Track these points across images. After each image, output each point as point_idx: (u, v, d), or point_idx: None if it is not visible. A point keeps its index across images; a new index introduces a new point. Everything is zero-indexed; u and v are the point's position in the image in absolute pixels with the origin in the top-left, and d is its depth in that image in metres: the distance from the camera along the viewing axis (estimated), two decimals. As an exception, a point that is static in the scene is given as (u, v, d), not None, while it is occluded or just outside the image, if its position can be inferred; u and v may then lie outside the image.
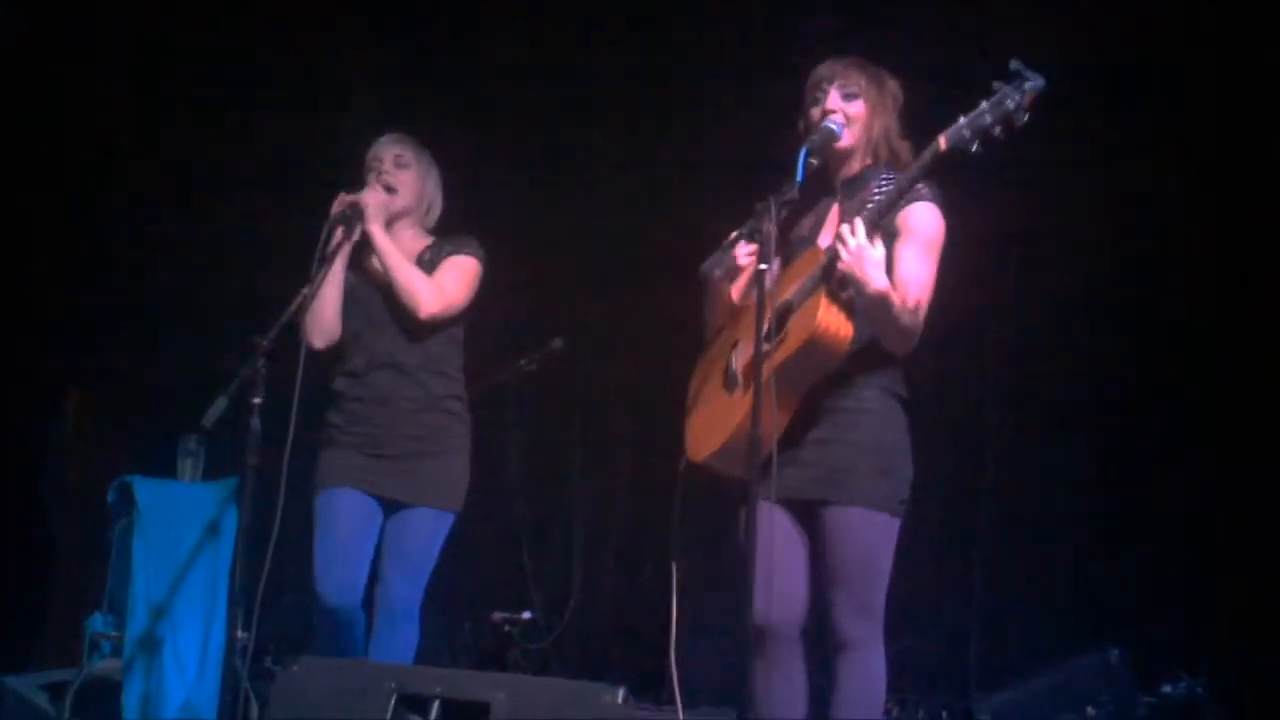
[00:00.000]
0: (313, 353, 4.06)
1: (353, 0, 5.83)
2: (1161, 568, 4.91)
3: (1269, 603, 4.64)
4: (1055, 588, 5.10)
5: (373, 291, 4.19)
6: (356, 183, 4.22)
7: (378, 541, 4.14)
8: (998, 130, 3.14)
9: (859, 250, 3.22)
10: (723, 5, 5.52)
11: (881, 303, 3.26)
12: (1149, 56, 4.95)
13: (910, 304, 3.29)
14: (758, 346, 3.19)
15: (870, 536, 3.37)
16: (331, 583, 4.04)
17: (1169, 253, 5.01)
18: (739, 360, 3.49)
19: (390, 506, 4.13)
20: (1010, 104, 3.13)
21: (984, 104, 3.16)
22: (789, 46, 3.71)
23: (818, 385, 3.35)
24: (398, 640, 4.07)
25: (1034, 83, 3.13)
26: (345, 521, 4.09)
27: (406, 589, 4.10)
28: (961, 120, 3.18)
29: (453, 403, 4.19)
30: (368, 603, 4.14)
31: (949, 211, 3.42)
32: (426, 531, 4.13)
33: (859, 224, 3.25)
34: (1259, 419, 4.81)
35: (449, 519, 4.17)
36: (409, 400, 4.12)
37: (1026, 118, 3.13)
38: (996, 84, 3.15)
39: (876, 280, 3.23)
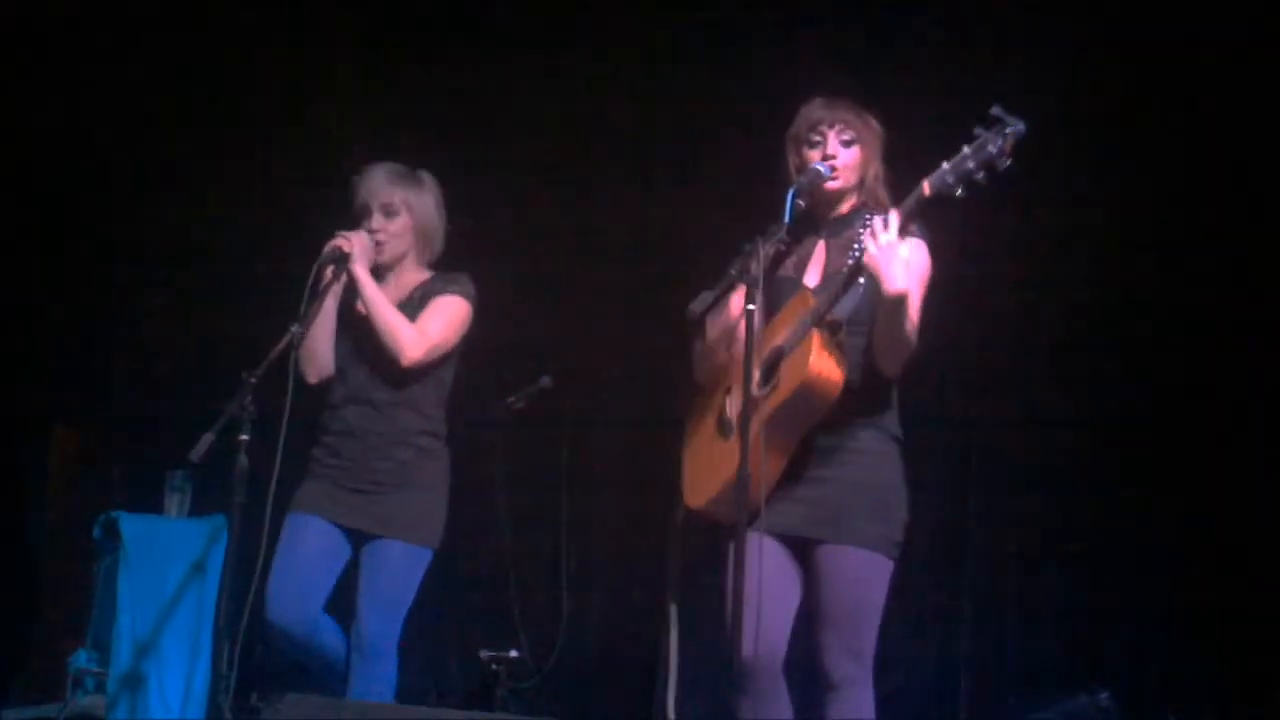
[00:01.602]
0: (304, 388, 4.08)
1: (357, 39, 5.84)
2: (1150, 610, 4.91)
3: (1258, 645, 4.64)
4: (1044, 630, 5.09)
5: (356, 328, 4.21)
6: (350, 215, 4.23)
7: (341, 575, 4.13)
8: (980, 175, 3.18)
9: (889, 246, 3.22)
10: (722, 48, 5.55)
11: (898, 304, 3.25)
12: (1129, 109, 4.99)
13: None
14: (746, 386, 3.20)
15: (865, 577, 3.38)
16: (279, 605, 4.03)
17: (1157, 287, 5.03)
18: (733, 407, 3.49)
19: (360, 539, 4.13)
20: (992, 149, 3.17)
21: (966, 149, 3.20)
22: (783, 91, 3.72)
23: (814, 427, 3.35)
24: (374, 679, 4.05)
25: (1014, 128, 3.17)
26: (306, 548, 4.10)
27: (378, 625, 4.08)
28: (945, 166, 3.22)
29: (423, 438, 4.19)
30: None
31: (935, 251, 3.45)
32: (397, 566, 4.11)
33: (893, 218, 3.24)
34: (1248, 458, 4.81)
35: (424, 555, 4.16)
36: (378, 434, 4.14)
37: (1009, 162, 3.16)
38: (977, 129, 3.18)
39: (900, 279, 3.23)
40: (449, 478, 4.24)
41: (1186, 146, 4.94)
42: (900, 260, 3.22)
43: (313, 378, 4.17)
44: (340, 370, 4.21)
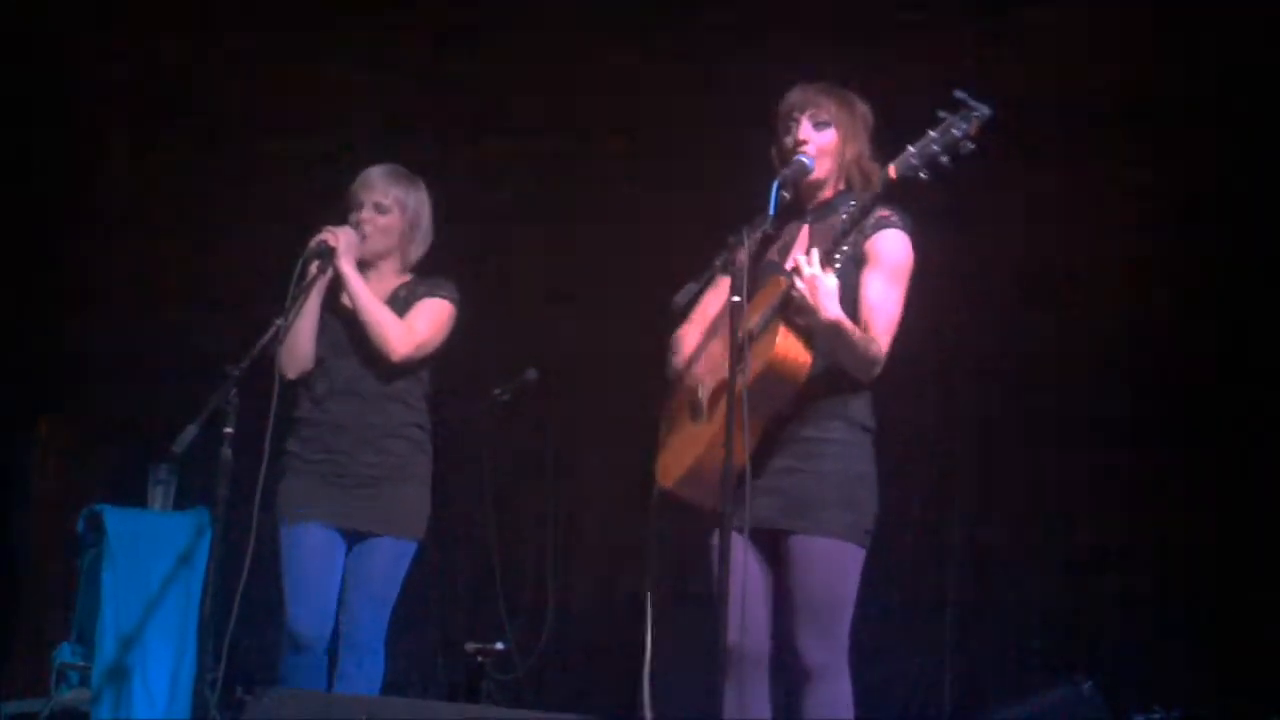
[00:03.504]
0: (286, 382, 4.07)
1: (348, 38, 5.83)
2: (1133, 599, 4.93)
3: (1240, 634, 4.67)
4: (1028, 619, 5.11)
5: (340, 321, 4.20)
6: (341, 211, 4.23)
7: (342, 573, 4.14)
8: (945, 159, 3.19)
9: (812, 279, 3.28)
10: (704, 39, 5.55)
11: (835, 331, 3.30)
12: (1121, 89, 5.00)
13: (874, 331, 3.35)
14: (731, 377, 3.21)
15: (836, 566, 3.39)
16: (304, 619, 4.07)
17: (1149, 288, 5.04)
18: (705, 390, 3.51)
19: (352, 536, 4.14)
20: (957, 132, 3.18)
21: (931, 133, 3.21)
22: (765, 81, 3.71)
23: (782, 414, 3.37)
24: (363, 672, 4.06)
25: (979, 111, 3.18)
26: (313, 559, 4.10)
27: (371, 620, 4.10)
28: (910, 149, 3.23)
29: (413, 430, 4.20)
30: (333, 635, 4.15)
31: (919, 238, 3.46)
32: (389, 561, 4.13)
33: (814, 253, 3.30)
34: (1228, 452, 4.84)
35: (410, 548, 4.17)
36: (370, 427, 4.13)
37: (973, 146, 3.18)
38: (941, 113, 3.20)
39: (829, 309, 3.27)
40: (432, 469, 4.24)
41: (1188, 134, 4.94)
42: (825, 291, 3.27)
43: (292, 373, 4.14)
44: (323, 363, 4.19)
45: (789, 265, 3.48)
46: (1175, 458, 4.93)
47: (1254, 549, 4.73)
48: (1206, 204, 4.96)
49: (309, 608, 4.07)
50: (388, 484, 4.12)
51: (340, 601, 4.12)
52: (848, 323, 3.31)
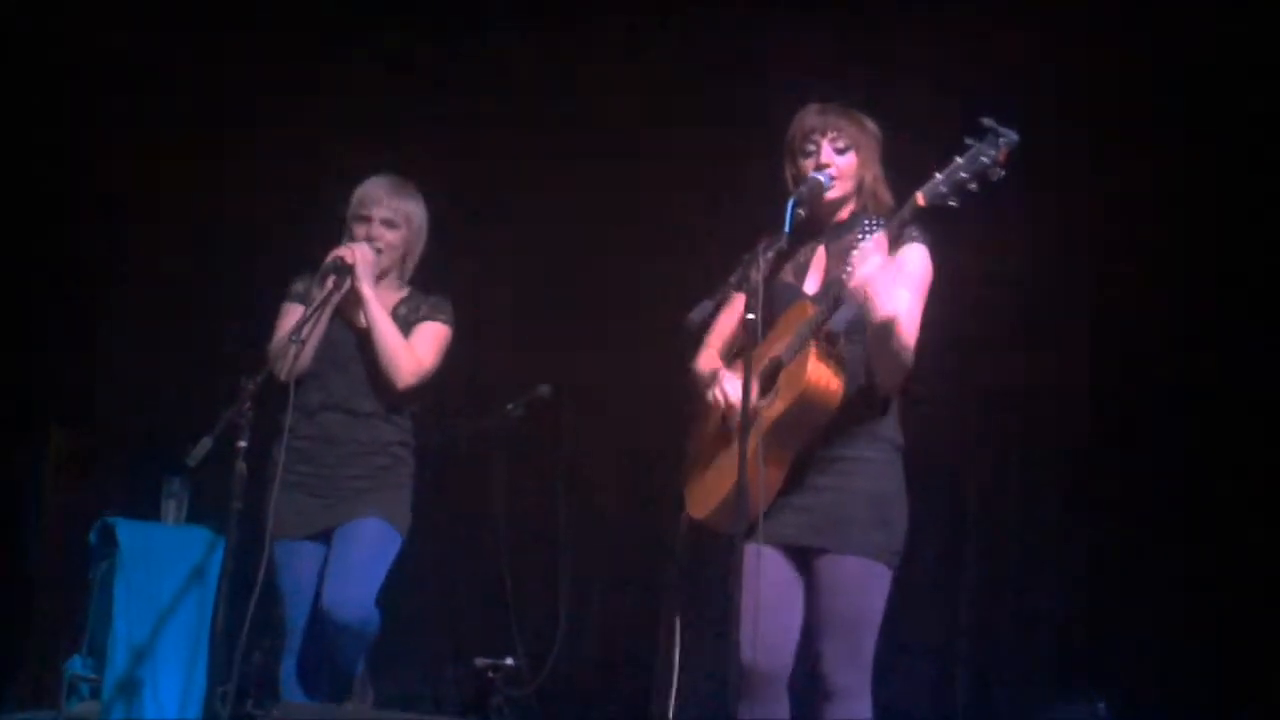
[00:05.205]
0: (274, 386, 4.02)
1: (349, 56, 5.85)
2: (1147, 621, 4.91)
3: (1257, 654, 4.65)
4: (1041, 640, 5.09)
5: (343, 333, 4.16)
6: (340, 224, 4.22)
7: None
8: (974, 186, 3.17)
9: (876, 272, 3.23)
10: (718, 64, 5.56)
11: (887, 328, 3.26)
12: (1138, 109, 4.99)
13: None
14: (745, 396, 3.20)
15: (864, 586, 3.37)
16: (301, 621, 4.07)
17: (1159, 305, 5.03)
18: (734, 418, 3.48)
19: (332, 531, 4.10)
20: (985, 159, 3.15)
21: (958, 160, 3.18)
22: (788, 99, 3.71)
23: (815, 438, 3.36)
24: (340, 654, 4.01)
25: (1007, 138, 3.15)
26: (306, 568, 4.08)
27: (354, 590, 3.99)
28: (938, 176, 3.20)
29: (399, 448, 4.18)
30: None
31: (937, 256, 3.45)
32: (370, 538, 4.06)
33: (881, 241, 3.24)
34: (1243, 471, 4.82)
35: (395, 537, 4.11)
36: (359, 444, 4.11)
37: (1003, 172, 3.16)
38: (969, 140, 3.18)
39: (887, 304, 3.23)
40: (413, 479, 4.22)
41: (1189, 143, 4.93)
42: (888, 287, 3.24)
43: (286, 376, 4.02)
44: (317, 374, 4.14)
45: (809, 284, 3.48)
46: (1189, 469, 4.90)
47: (1271, 564, 4.71)
48: (1210, 213, 4.95)
49: (306, 611, 4.06)
50: (371, 492, 4.10)
51: (319, 591, 4.04)
52: (900, 323, 3.27)
